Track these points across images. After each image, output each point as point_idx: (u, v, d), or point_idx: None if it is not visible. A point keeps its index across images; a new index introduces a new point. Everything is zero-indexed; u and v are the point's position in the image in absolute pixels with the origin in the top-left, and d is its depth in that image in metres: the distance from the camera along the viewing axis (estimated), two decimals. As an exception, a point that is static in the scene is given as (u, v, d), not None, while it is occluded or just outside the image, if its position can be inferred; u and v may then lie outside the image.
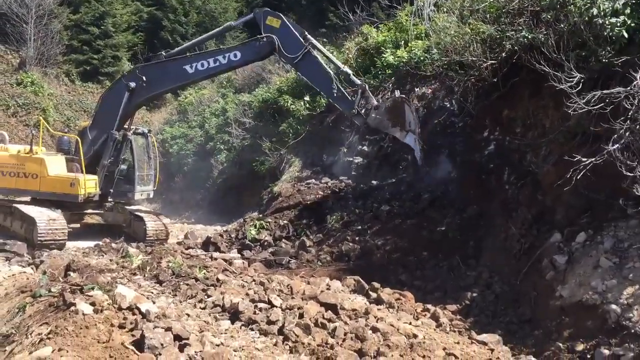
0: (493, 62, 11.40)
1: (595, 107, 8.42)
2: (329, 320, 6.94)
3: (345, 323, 6.96)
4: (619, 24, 8.87)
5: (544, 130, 10.83)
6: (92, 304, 6.53)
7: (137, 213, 15.47)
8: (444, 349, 6.56)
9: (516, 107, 12.00)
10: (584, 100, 8.48)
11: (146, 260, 9.89)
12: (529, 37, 10.22)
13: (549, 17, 10.02)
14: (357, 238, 13.00)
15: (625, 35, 8.82)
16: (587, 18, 9.12)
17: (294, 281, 8.72)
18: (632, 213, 8.57)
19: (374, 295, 8.70)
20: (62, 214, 13.99)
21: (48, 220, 13.40)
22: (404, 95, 13.53)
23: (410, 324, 7.57)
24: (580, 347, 7.69)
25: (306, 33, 13.68)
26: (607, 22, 8.92)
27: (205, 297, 7.74)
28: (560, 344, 7.86)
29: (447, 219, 12.67)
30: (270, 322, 6.77)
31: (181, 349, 5.67)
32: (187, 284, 8.24)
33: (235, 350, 5.89)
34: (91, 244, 13.50)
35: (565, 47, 9.19)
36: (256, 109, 23.86)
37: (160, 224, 15.20)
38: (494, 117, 12.97)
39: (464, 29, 12.17)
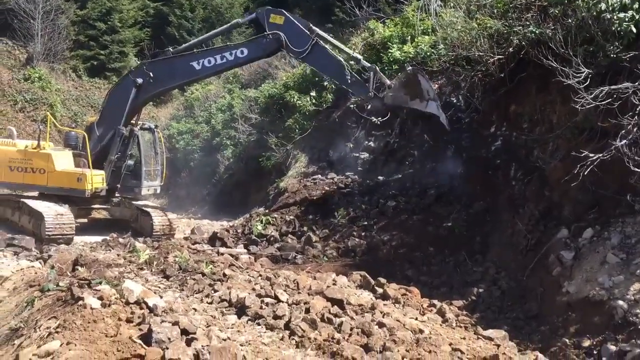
0: (500, 57, 11.37)
1: (603, 103, 8.40)
2: (335, 316, 6.94)
3: (352, 318, 6.96)
4: (627, 19, 8.82)
5: (551, 125, 10.80)
6: (100, 298, 6.56)
7: (143, 208, 15.53)
8: (450, 344, 6.56)
9: (523, 103, 11.96)
10: (592, 96, 8.45)
11: (153, 255, 9.94)
12: (537, 32, 10.19)
13: (557, 12, 9.99)
14: (363, 233, 13.02)
15: (634, 30, 8.78)
16: (595, 13, 9.08)
17: (300, 276, 8.72)
18: (640, 209, 8.55)
19: (380, 290, 8.70)
20: (70, 208, 14.07)
21: (56, 215, 13.48)
22: (415, 67, 13.48)
23: (416, 319, 7.56)
24: (586, 343, 7.68)
25: (311, 25, 13.67)
26: (615, 17, 8.87)
27: (212, 291, 7.76)
28: (567, 340, 7.86)
29: (453, 215, 12.66)
30: (276, 317, 6.78)
31: (188, 343, 5.68)
32: (194, 279, 8.26)
33: (241, 345, 5.90)
34: (98, 238, 13.57)
35: (573, 42, 9.15)
36: (262, 105, 23.87)
37: (167, 219, 15.25)
38: (500, 113, 12.94)
39: (471, 24, 12.14)
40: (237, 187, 24.29)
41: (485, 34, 11.62)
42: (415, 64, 15.09)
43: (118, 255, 10.77)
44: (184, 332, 5.89)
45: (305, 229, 13.90)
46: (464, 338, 7.15)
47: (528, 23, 10.59)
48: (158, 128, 17.03)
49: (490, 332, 7.51)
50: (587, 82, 8.72)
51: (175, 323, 6.00)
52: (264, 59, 20.59)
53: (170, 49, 15.27)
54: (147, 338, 5.76)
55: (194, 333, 5.88)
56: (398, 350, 6.05)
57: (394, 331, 6.58)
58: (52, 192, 14.57)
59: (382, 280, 9.12)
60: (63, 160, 14.75)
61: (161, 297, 7.20)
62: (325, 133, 18.84)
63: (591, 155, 8.35)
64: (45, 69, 31.38)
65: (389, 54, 16.93)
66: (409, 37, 17.18)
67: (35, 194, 15.14)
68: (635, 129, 8.20)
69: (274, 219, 14.42)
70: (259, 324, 6.72)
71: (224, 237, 13.96)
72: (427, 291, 10.13)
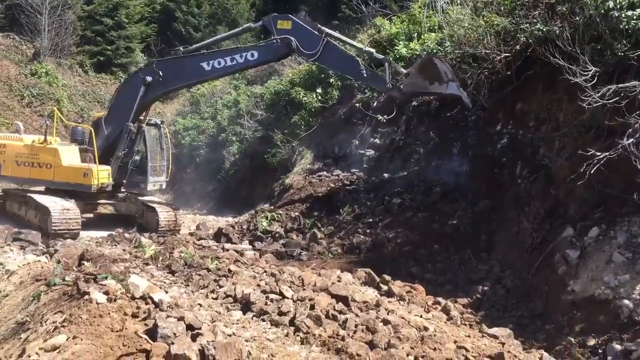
0: (507, 55, 11.33)
1: (610, 101, 8.37)
2: (340, 312, 6.95)
3: (356, 315, 6.97)
4: (635, 17, 8.79)
5: (558, 124, 10.76)
6: (106, 293, 6.59)
7: (149, 204, 15.57)
8: (455, 342, 6.56)
9: (530, 101, 11.92)
10: (599, 94, 8.42)
11: (159, 250, 9.97)
12: (544, 29, 10.15)
13: (564, 9, 9.94)
14: (368, 230, 13.02)
15: (642, 28, 8.73)
16: (603, 11, 9.04)
17: (305, 273, 8.74)
18: (646, 208, 8.52)
19: (384, 287, 8.71)
20: (76, 203, 14.11)
21: (62, 209, 13.53)
22: (430, 52, 13.37)
23: (421, 316, 7.57)
24: (591, 342, 7.67)
25: (319, 25, 13.65)
26: (623, 15, 8.83)
27: (217, 287, 7.78)
28: (572, 339, 7.85)
29: (458, 213, 12.65)
30: (281, 313, 6.80)
31: (193, 338, 5.71)
32: (199, 275, 8.29)
33: (246, 341, 5.92)
34: (104, 233, 13.59)
35: (581, 40, 9.11)
36: (268, 101, 23.87)
37: (173, 215, 15.29)
38: (507, 111, 12.90)
39: (477, 22, 12.10)
40: (242, 183, 24.32)
41: (492, 31, 11.58)
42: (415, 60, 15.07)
43: (124, 250, 10.80)
44: (190, 327, 5.92)
45: (310, 225, 13.90)
46: (469, 336, 7.15)
47: (535, 21, 10.55)
48: (164, 124, 17.06)
49: (495, 330, 7.51)
50: (595, 81, 8.69)
51: (181, 318, 6.02)
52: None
53: (180, 48, 15.27)
54: (152, 333, 5.79)
55: (199, 328, 5.91)
56: (403, 348, 6.05)
57: (398, 328, 6.59)
58: (58, 187, 14.62)
59: (387, 277, 9.13)
60: (69, 155, 14.79)
61: (167, 292, 7.23)
62: (330, 130, 18.83)
63: (598, 153, 8.33)
64: (52, 64, 31.44)
65: (395, 51, 16.89)
66: (416, 34, 17.14)
67: (42, 188, 15.20)
68: (642, 128, 8.17)
69: (279, 216, 14.44)
70: (264, 320, 6.74)
71: (229, 233, 13.99)
72: (432, 289, 10.13)
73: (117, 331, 5.86)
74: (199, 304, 7.03)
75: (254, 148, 24.04)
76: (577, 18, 9.55)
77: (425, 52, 13.18)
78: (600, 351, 7.48)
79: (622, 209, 9.00)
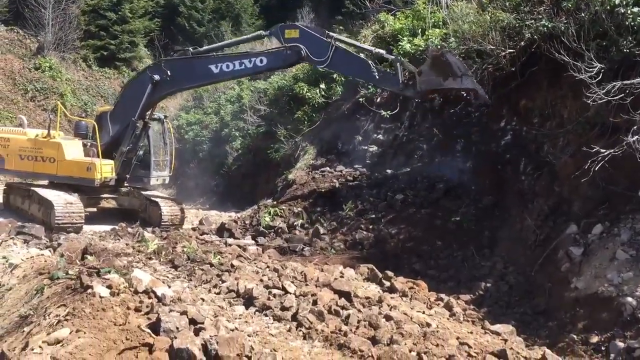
0: (511, 50, 11.29)
1: (615, 98, 8.33)
2: (343, 308, 6.96)
3: (359, 311, 6.97)
4: (641, 14, 8.74)
5: (562, 120, 10.72)
6: (109, 287, 6.61)
7: (152, 198, 15.59)
8: (457, 338, 6.55)
9: (534, 97, 11.88)
10: (604, 91, 8.38)
11: (162, 245, 9.99)
12: (549, 25, 10.11)
13: (570, 5, 9.90)
14: (371, 226, 13.01)
15: (648, 25, 8.69)
16: (608, 7, 9.01)
17: (307, 268, 8.74)
18: (651, 205, 8.49)
19: (387, 283, 8.71)
20: (79, 197, 14.14)
21: (65, 203, 13.56)
22: (438, 46, 13.27)
23: (423, 312, 7.57)
24: (594, 339, 7.66)
25: (326, 31, 13.64)
26: (629, 12, 8.80)
27: (220, 282, 7.79)
28: (575, 336, 7.84)
29: (462, 209, 12.62)
30: (284, 308, 6.81)
31: (196, 332, 5.72)
32: (202, 269, 8.30)
33: (249, 335, 5.93)
34: (107, 228, 13.63)
35: (586, 37, 9.08)
36: (271, 96, 23.85)
37: (176, 210, 15.31)
38: (511, 107, 12.86)
39: (482, 17, 12.05)
40: (245, 179, 24.33)
41: (497, 27, 11.53)
42: (426, 57, 15.00)
43: (127, 244, 10.83)
44: (192, 321, 5.93)
45: (313, 221, 13.90)
46: (471, 332, 7.15)
47: (540, 16, 10.51)
48: (167, 118, 17.07)
49: (497, 327, 7.50)
50: (599, 77, 8.65)
51: (184, 313, 6.03)
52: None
53: (190, 49, 15.27)
54: (155, 327, 5.80)
55: (202, 323, 5.92)
56: (405, 344, 6.05)
57: (401, 324, 6.59)
58: (61, 181, 14.65)
59: (390, 273, 9.13)
60: (73, 150, 14.82)
61: (169, 286, 7.24)
62: (334, 125, 18.80)
63: (602, 150, 8.30)
64: (55, 58, 31.48)
65: (399, 47, 16.83)
66: (420, 29, 17.07)
67: (46, 182, 15.24)
68: (647, 125, 8.14)
69: (282, 211, 14.43)
70: (266, 315, 6.75)
71: (232, 228, 13.99)
72: (435, 285, 10.11)
73: (120, 325, 5.88)
74: (201, 299, 7.04)
75: (257, 143, 24.03)
76: (583, 14, 9.51)
77: (433, 47, 13.01)
78: (603, 348, 7.47)
79: (626, 207, 8.97)
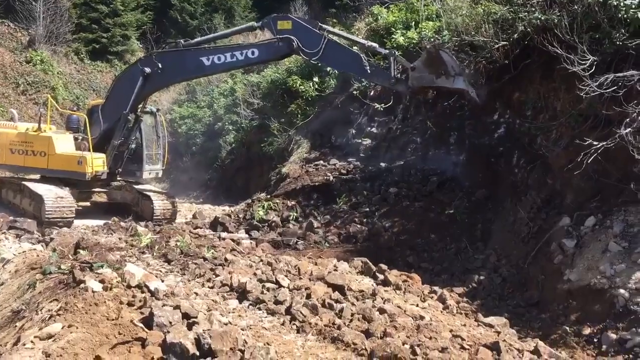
0: (505, 43, 11.27)
1: (607, 90, 8.34)
2: (336, 301, 6.95)
3: (352, 304, 6.97)
4: (634, 6, 8.75)
5: (555, 113, 10.73)
6: (102, 281, 6.58)
7: (145, 192, 15.53)
8: (451, 330, 6.57)
9: (527, 90, 11.88)
10: (597, 83, 8.39)
11: (155, 239, 9.95)
12: (542, 18, 10.09)
13: (563, -2, 9.88)
14: (364, 220, 13.02)
15: (641, 17, 8.69)
16: (601, -1, 8.99)
17: (301, 262, 8.73)
18: (643, 197, 8.51)
19: (381, 276, 8.71)
20: (70, 191, 14.08)
21: (55, 197, 13.50)
22: (434, 44, 13.24)
23: (417, 305, 7.58)
24: (587, 330, 7.70)
25: (319, 23, 13.56)
26: (622, 4, 8.79)
27: (213, 276, 7.77)
28: (567, 328, 7.88)
29: (455, 202, 12.65)
30: (277, 302, 6.80)
31: (189, 327, 5.71)
32: (196, 263, 8.28)
33: (243, 329, 5.92)
34: (100, 222, 13.57)
35: (579, 29, 9.06)
36: (265, 90, 23.77)
37: (168, 204, 15.26)
38: (504, 100, 12.86)
39: (475, 10, 12.02)
40: (239, 172, 24.29)
41: (490, 19, 11.50)
42: (419, 50, 14.97)
43: (120, 239, 10.78)
44: (185, 316, 5.92)
45: (306, 214, 13.89)
46: (465, 325, 7.17)
47: (533, 9, 10.49)
48: (160, 111, 16.99)
49: (490, 319, 7.53)
50: (592, 70, 8.65)
51: (177, 307, 6.02)
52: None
53: (181, 41, 15.17)
54: (148, 321, 5.79)
55: (195, 317, 5.90)
56: (399, 336, 6.06)
57: (394, 317, 6.60)
58: (52, 175, 14.58)
59: (383, 266, 9.13)
60: (63, 143, 14.74)
61: (162, 281, 7.22)
62: (327, 119, 18.77)
63: (595, 143, 8.31)
64: (47, 51, 31.22)
65: (393, 40, 16.78)
66: (413, 22, 17.02)
67: (37, 176, 15.15)
68: (640, 117, 8.15)
69: (276, 205, 14.41)
70: (260, 309, 6.74)
71: (225, 222, 13.96)
72: (428, 278, 10.15)
73: (112, 320, 5.86)
74: (195, 293, 7.02)
75: (250, 137, 23.97)
76: (576, 7, 9.50)
77: (431, 44, 12.94)
78: (595, 340, 7.50)
79: (618, 199, 8.99)
